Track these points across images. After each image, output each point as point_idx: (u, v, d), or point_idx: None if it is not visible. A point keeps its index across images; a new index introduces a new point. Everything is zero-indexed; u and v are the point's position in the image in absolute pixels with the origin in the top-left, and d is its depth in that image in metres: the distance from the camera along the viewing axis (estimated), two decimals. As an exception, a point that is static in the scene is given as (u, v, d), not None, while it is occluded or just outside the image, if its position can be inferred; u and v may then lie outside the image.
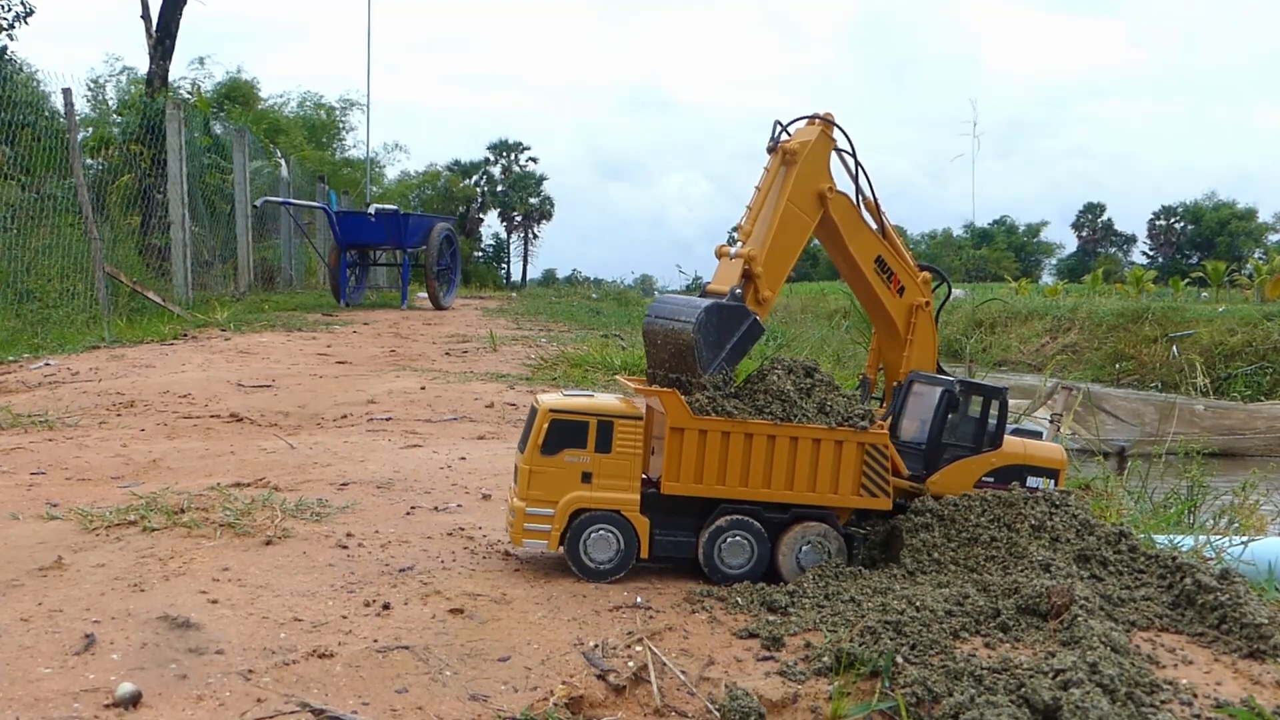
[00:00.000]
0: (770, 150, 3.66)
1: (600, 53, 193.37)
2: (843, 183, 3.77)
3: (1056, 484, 3.66)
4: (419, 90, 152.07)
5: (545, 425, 3.27)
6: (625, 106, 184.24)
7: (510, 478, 3.59)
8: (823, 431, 3.36)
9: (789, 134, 3.68)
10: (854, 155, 3.76)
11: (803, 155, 3.56)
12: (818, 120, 3.68)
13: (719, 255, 3.61)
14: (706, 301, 3.39)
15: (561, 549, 3.30)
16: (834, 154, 3.70)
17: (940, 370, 3.94)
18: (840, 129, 3.70)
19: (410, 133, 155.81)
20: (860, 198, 3.78)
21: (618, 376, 4.12)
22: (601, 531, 3.28)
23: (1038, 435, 3.94)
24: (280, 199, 18.54)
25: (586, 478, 3.29)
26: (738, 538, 3.32)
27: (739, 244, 3.56)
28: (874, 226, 3.81)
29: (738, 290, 3.42)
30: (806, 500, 3.37)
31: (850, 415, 3.40)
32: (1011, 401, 3.82)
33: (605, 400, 3.42)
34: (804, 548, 3.36)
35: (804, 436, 3.35)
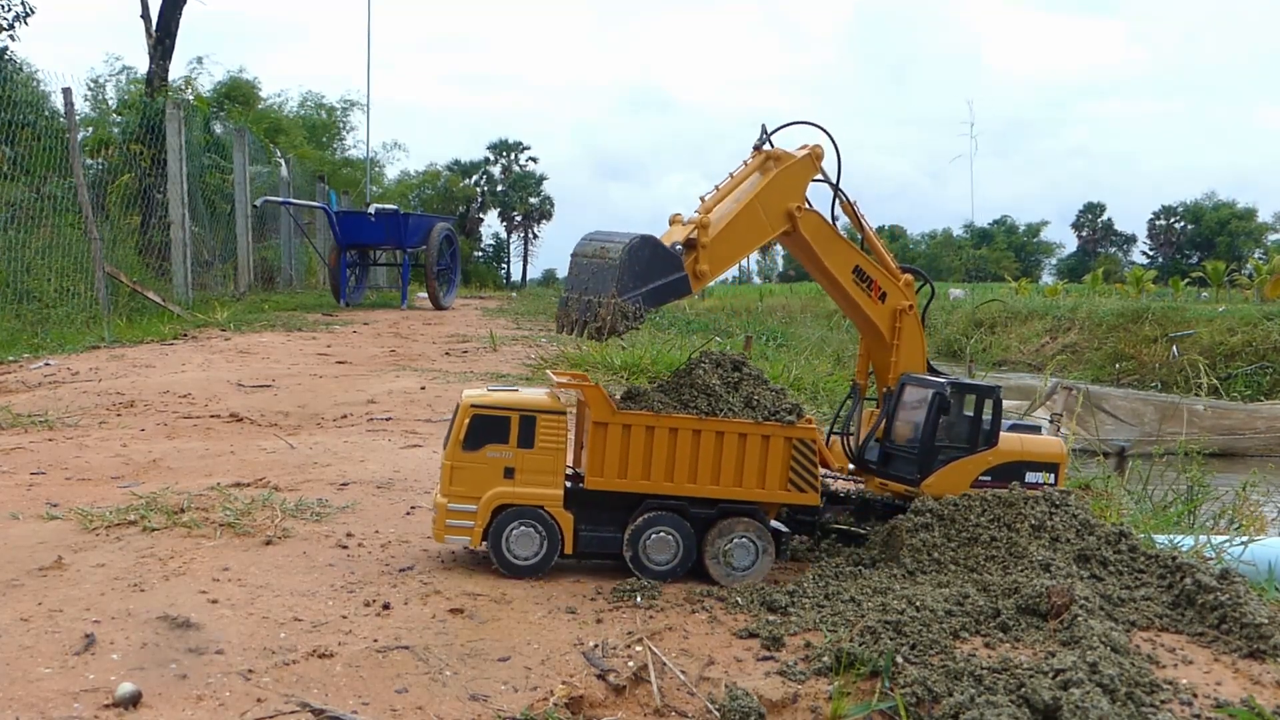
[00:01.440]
0: (755, 149, 3.66)
1: (600, 52, 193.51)
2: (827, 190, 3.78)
3: (1056, 478, 3.65)
4: (418, 90, 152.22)
5: (467, 420, 3.24)
6: (625, 106, 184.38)
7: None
8: (749, 426, 3.33)
9: (772, 143, 3.68)
10: (835, 185, 3.77)
11: (782, 167, 3.57)
12: (808, 147, 3.70)
13: (672, 222, 3.56)
14: (646, 234, 3.34)
15: (484, 545, 3.29)
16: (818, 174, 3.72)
17: (931, 371, 3.94)
18: (835, 144, 3.72)
19: (409, 132, 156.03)
20: (838, 198, 3.79)
21: (547, 370, 4.11)
22: (524, 528, 3.25)
23: (1037, 430, 3.93)
24: (280, 199, 18.53)
25: (509, 473, 3.26)
26: (663, 534, 3.30)
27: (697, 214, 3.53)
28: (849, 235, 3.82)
29: (679, 247, 3.38)
30: (733, 495, 3.35)
31: (778, 409, 3.38)
32: (1010, 401, 3.82)
33: (529, 395, 3.39)
34: (731, 544, 3.34)
35: (730, 431, 3.32)
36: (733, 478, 3.34)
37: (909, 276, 3.92)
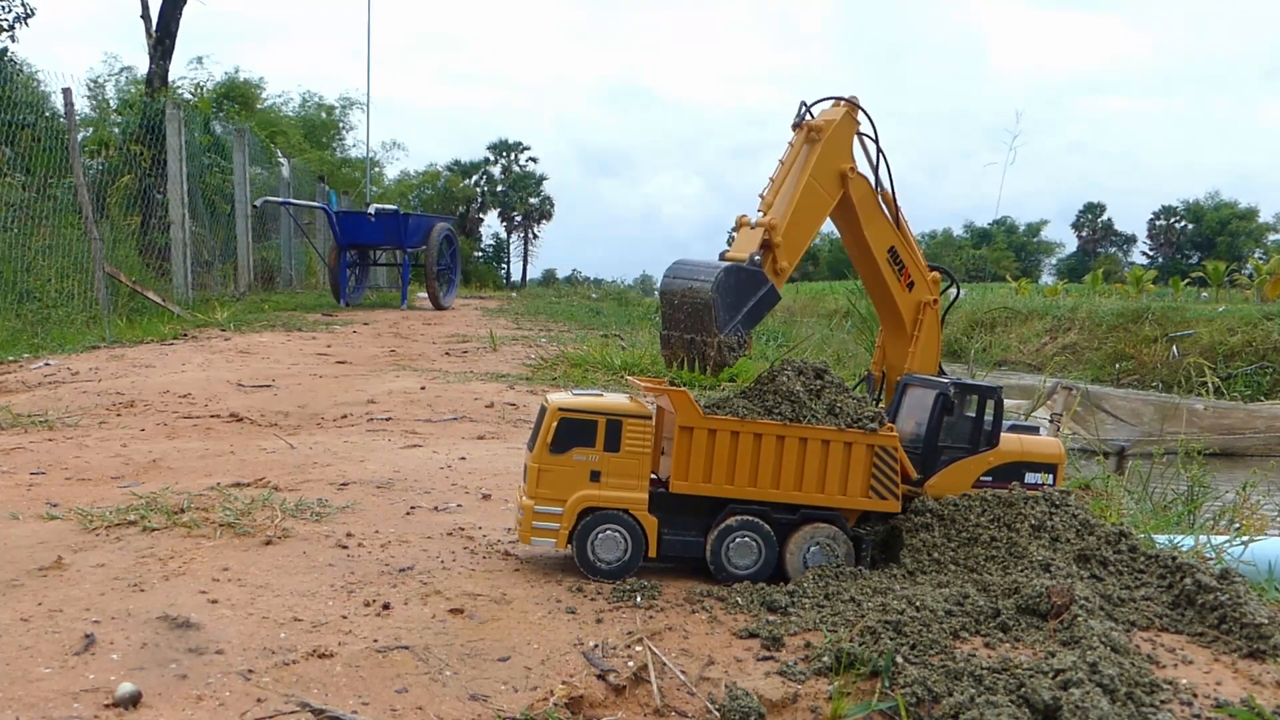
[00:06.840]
0: (795, 127, 3.72)
1: (589, 50, 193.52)
2: (863, 168, 3.89)
3: (1055, 478, 3.65)
4: (412, 89, 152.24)
5: (554, 424, 3.27)
6: (616, 104, 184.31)
7: (518, 478, 3.60)
8: (832, 433, 3.35)
9: (812, 114, 3.75)
10: (876, 140, 3.86)
11: (827, 134, 3.68)
12: (843, 102, 3.76)
13: (739, 225, 3.68)
14: (725, 263, 3.46)
15: (569, 548, 3.30)
16: (856, 138, 3.81)
17: (940, 371, 3.96)
18: (865, 112, 3.82)
19: (404, 131, 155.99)
20: (879, 190, 3.87)
21: (627, 376, 4.17)
22: (609, 531, 3.27)
23: (1035, 431, 3.94)
24: (280, 199, 18.54)
25: (595, 476, 3.29)
26: (746, 538, 3.32)
27: (760, 214, 3.65)
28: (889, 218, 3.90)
29: (756, 257, 3.48)
30: (815, 501, 3.36)
31: (860, 417, 3.40)
32: (1010, 401, 3.83)
33: (614, 399, 3.41)
34: (812, 549, 3.35)
35: (813, 437, 3.35)
36: (815, 484, 3.36)
37: (936, 274, 3.97)
